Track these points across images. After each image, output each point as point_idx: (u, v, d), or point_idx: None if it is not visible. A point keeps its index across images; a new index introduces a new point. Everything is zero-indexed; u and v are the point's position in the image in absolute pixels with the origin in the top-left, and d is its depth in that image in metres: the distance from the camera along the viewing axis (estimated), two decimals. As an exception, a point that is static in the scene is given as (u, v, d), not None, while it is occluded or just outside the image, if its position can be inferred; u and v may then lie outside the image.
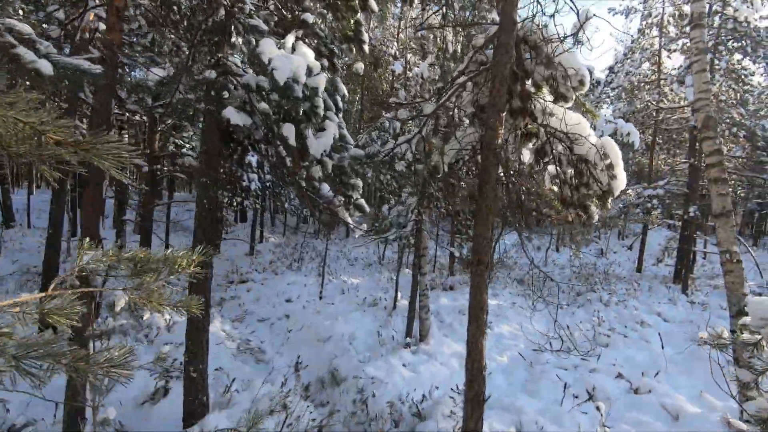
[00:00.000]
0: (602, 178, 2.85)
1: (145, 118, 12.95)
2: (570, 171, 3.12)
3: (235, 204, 11.54)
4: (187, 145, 12.94)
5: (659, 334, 7.68)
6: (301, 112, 2.78)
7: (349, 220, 4.21)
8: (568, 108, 3.04)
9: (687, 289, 12.39)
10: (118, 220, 12.75)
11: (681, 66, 14.20)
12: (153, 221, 16.10)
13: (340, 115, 4.36)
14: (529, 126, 3.03)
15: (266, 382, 5.86)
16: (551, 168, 3.34)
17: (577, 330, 8.67)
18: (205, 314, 4.37)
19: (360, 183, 4.14)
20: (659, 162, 18.01)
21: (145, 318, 7.44)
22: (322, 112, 3.00)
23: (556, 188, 3.26)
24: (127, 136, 12.59)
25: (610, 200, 2.92)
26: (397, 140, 3.77)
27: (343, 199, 4.18)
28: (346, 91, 4.32)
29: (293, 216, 25.56)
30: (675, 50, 15.70)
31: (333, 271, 13.65)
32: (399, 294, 9.81)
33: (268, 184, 13.17)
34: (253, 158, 9.83)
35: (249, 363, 7.53)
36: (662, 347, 7.28)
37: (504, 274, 14.38)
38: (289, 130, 3.10)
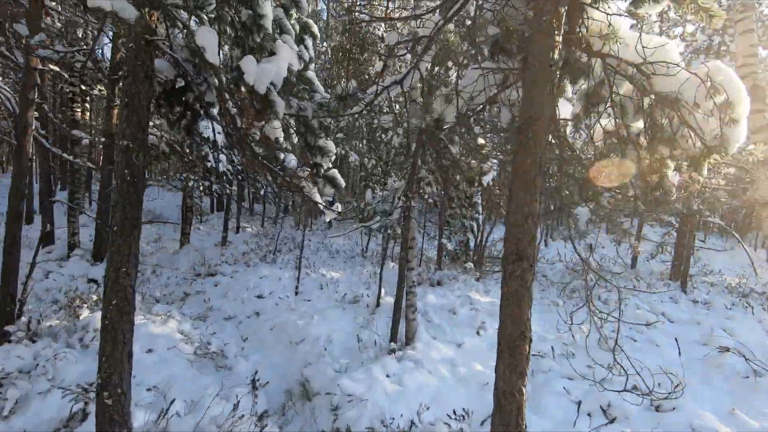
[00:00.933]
0: (705, 128, 1.88)
1: (103, 91, 11.61)
2: (638, 124, 2.16)
3: (201, 188, 10.36)
4: (150, 123, 11.60)
5: (676, 340, 6.88)
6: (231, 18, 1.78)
7: (318, 198, 3.18)
8: (656, 11, 2.07)
9: (686, 287, 11.75)
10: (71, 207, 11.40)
11: (684, 52, 13.45)
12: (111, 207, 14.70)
13: (312, 61, 3.29)
14: (579, 56, 2.07)
15: (219, 399, 4.82)
16: (605, 122, 2.38)
17: (579, 332, 7.82)
18: (124, 320, 3.29)
19: (332, 147, 3.11)
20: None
21: (81, 317, 6.28)
22: (269, 24, 1.99)
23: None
24: (80, 110, 11.20)
25: (711, 161, 1.91)
26: (382, 81, 2.73)
27: (309, 169, 3.15)
28: (317, 31, 3.25)
29: (271, 204, 24.32)
30: (675, 36, 14.98)
31: (311, 264, 12.59)
32: (383, 290, 8.83)
33: (240, 167, 11.98)
34: (219, 136, 8.64)
35: (207, 370, 6.46)
36: (679, 354, 6.48)
37: (494, 267, 13.54)
38: (207, 38, 2.06)
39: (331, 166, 3.21)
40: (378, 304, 8.68)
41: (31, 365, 5.08)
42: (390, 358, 6.11)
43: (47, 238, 11.88)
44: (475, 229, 6.42)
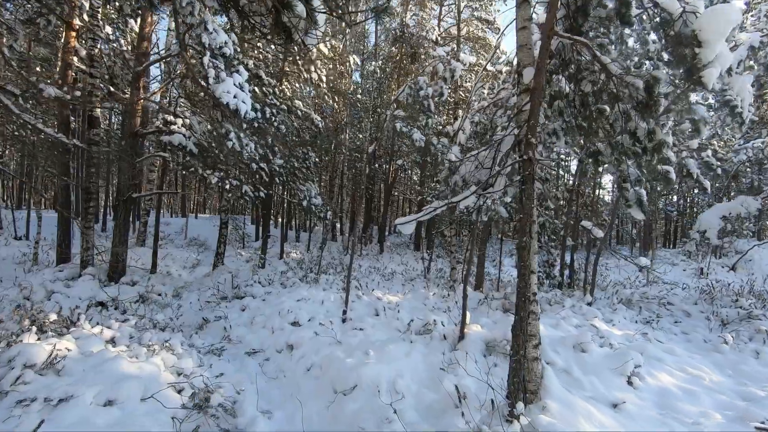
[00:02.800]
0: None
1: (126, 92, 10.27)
2: None
3: (228, 187, 8.30)
4: (179, 121, 9.95)
5: None
6: None
7: None
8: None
9: None
10: (83, 218, 9.77)
11: None
12: (134, 220, 13.23)
13: None
14: None
15: None
16: None
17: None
18: None
19: None
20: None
21: (12, 346, 4.04)
22: None
23: None
24: (99, 109, 9.79)
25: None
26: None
27: None
28: None
29: (318, 225, 22.33)
30: None
31: (363, 285, 10.06)
32: (468, 315, 6.05)
33: (278, 168, 9.92)
34: (243, 106, 6.57)
35: (201, 437, 3.97)
36: None
37: (602, 294, 10.26)
38: None
39: None
40: (462, 336, 5.89)
41: None
42: (512, 429, 3.29)
43: (63, 255, 10.30)
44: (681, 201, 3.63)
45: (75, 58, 10.07)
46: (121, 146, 8.82)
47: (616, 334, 6.48)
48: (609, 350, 5.75)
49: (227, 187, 8.11)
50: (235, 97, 6.25)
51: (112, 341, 5.30)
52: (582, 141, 4.18)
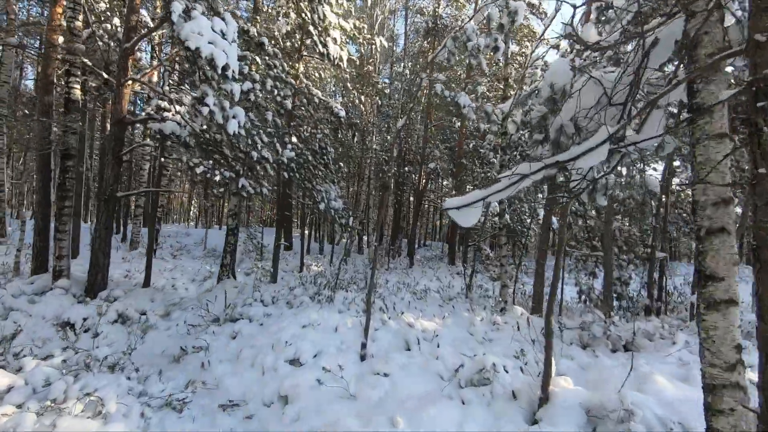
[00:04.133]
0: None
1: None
2: None
3: (219, 179, 6.49)
4: (173, 108, 8.32)
5: None
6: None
7: None
8: None
9: None
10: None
11: None
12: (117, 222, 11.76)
13: None
14: None
15: None
16: None
17: None
18: None
19: None
20: None
21: None
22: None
23: None
24: (79, 91, 8.32)
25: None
26: None
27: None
28: None
29: (338, 232, 20.43)
30: None
31: (389, 306, 7.98)
32: (554, 362, 3.85)
33: (286, 160, 8.10)
34: (235, 86, 4.76)
35: None
36: None
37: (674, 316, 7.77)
38: None
39: None
40: (546, 397, 3.71)
41: None
42: None
43: (40, 264, 8.82)
44: None
45: (60, 38, 8.74)
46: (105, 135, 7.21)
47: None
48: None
49: (217, 179, 6.31)
50: (211, 43, 4.45)
51: (7, 393, 3.49)
52: None
